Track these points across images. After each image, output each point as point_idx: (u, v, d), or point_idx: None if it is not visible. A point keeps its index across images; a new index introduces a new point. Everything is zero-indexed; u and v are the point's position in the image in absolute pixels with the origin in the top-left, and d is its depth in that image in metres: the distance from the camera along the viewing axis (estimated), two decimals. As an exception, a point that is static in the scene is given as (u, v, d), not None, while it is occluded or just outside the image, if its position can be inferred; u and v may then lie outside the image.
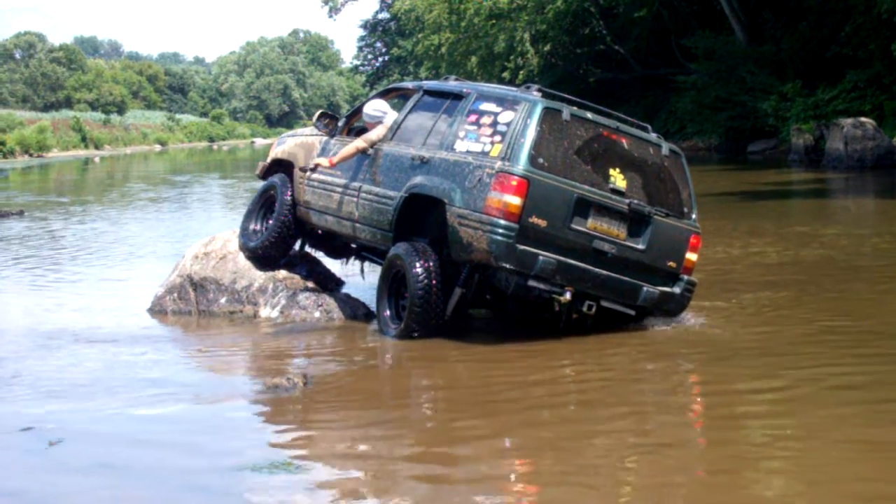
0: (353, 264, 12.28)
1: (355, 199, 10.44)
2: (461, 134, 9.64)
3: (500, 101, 9.62)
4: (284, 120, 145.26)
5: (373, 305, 10.57)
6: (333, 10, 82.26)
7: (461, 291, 9.49)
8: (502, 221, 8.94)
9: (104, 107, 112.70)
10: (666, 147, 9.91)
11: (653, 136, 9.98)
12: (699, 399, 7.96)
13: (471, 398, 7.83)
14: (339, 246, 11.89)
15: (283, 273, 11.30)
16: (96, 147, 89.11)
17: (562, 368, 8.66)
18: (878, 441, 6.47)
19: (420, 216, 9.83)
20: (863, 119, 31.85)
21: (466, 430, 7.02)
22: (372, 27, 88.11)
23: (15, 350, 9.74)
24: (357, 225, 10.46)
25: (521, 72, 50.22)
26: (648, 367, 8.85)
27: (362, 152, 10.47)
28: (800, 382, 7.87)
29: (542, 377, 8.33)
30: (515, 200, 8.96)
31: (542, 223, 9.09)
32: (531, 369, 8.58)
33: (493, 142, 9.31)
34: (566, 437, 6.77)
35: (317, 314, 10.89)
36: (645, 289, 9.55)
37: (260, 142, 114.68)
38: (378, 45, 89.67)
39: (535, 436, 6.85)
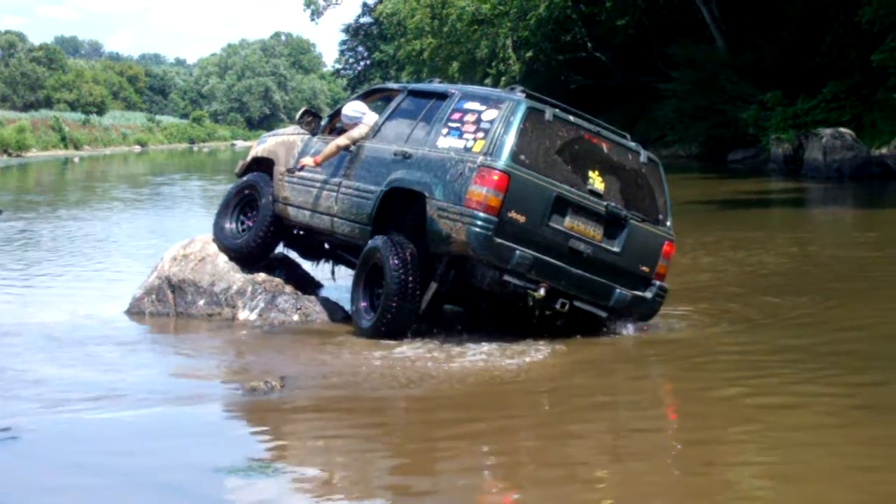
0: (324, 268, 12.26)
1: (335, 194, 10.49)
2: (444, 131, 9.72)
3: (485, 100, 9.73)
4: (265, 122, 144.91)
5: (350, 309, 10.56)
6: (315, 14, 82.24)
7: (436, 286, 9.56)
8: (482, 214, 9.02)
9: (84, 107, 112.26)
10: (644, 155, 10.01)
11: (632, 143, 10.06)
12: (667, 405, 8.02)
13: (446, 401, 7.85)
14: (313, 245, 11.89)
15: (262, 276, 11.28)
16: (76, 147, 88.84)
17: (538, 374, 8.67)
18: (848, 446, 6.51)
19: (399, 211, 9.89)
20: (842, 129, 31.98)
21: (442, 433, 7.05)
22: (354, 31, 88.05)
23: (-10, 349, 9.70)
24: (335, 219, 10.51)
25: (503, 78, 50.32)
26: (619, 370, 8.95)
27: (344, 149, 10.53)
28: (775, 389, 7.91)
29: (517, 383, 8.35)
30: (496, 194, 9.05)
31: (521, 219, 9.16)
32: (505, 372, 8.60)
33: (475, 138, 9.39)
34: (543, 443, 6.80)
35: (295, 317, 10.89)
36: (617, 291, 9.62)
37: (240, 144, 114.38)
38: (360, 49, 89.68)
39: (512, 441, 6.88)
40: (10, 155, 72.73)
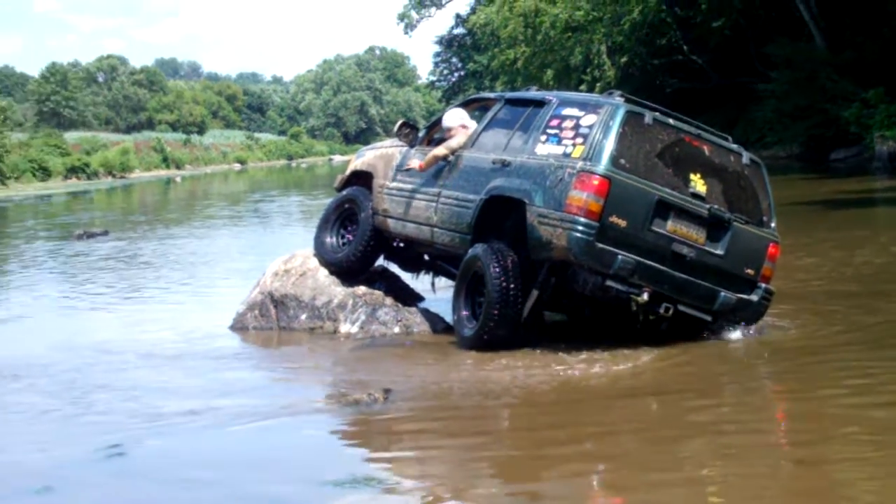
0: (424, 280, 12.26)
1: (434, 204, 10.51)
2: (543, 138, 9.68)
3: (583, 105, 9.68)
4: (361, 136, 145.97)
5: (451, 319, 10.52)
6: (409, 27, 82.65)
7: (537, 293, 9.49)
8: (582, 219, 8.95)
9: (185, 127, 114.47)
10: (746, 156, 9.87)
11: (733, 145, 9.92)
12: (776, 413, 7.83)
13: (549, 410, 7.77)
14: (413, 257, 11.91)
15: (362, 289, 11.31)
16: (177, 167, 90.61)
17: (643, 381, 8.56)
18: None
19: (499, 219, 9.86)
20: (948, 125, 31.18)
21: (547, 444, 6.97)
22: (447, 43, 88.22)
23: (99, 366, 9.87)
24: (435, 230, 10.52)
25: (598, 84, 49.96)
26: (726, 376, 8.80)
27: (443, 159, 10.55)
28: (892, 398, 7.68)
29: (622, 390, 8.24)
30: (596, 199, 8.98)
31: (622, 223, 9.08)
32: (609, 379, 8.53)
33: (574, 143, 9.33)
34: (650, 453, 6.68)
35: (396, 329, 10.89)
36: (722, 294, 9.48)
37: (337, 159, 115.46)
38: (454, 60, 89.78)
39: (617, 450, 6.78)
40: (114, 176, 74.41)
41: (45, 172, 66.57)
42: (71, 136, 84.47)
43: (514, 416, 7.84)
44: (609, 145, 9.11)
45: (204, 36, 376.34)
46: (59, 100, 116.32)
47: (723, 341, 9.73)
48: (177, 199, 47.99)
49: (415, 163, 10.84)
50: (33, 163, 66.32)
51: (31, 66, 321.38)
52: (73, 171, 70.23)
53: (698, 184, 9.45)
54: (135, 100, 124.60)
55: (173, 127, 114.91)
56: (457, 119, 10.83)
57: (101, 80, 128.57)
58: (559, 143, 9.48)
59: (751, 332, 9.90)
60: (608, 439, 7.00)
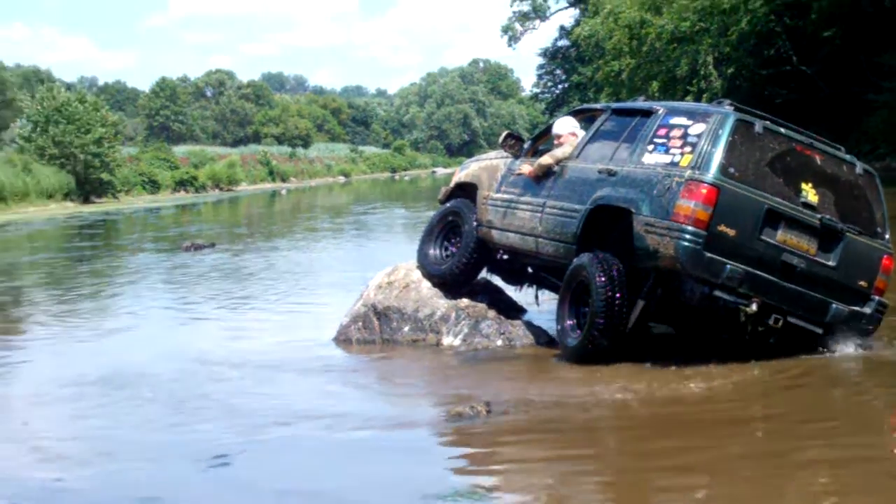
0: (527, 293, 12.13)
1: (539, 215, 10.43)
2: (650, 147, 9.55)
3: (692, 114, 9.54)
4: (465, 149, 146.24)
5: (554, 333, 10.40)
6: (513, 39, 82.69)
7: (643, 304, 9.36)
8: (690, 228, 8.81)
9: (290, 140, 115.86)
10: (860, 166, 9.63)
11: (846, 155, 9.69)
12: (892, 433, 7.57)
13: (655, 427, 7.62)
14: (517, 269, 11.81)
15: (465, 301, 11.26)
16: (283, 180, 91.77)
17: (750, 398, 8.36)
18: None
19: (604, 229, 9.74)
20: None
21: (653, 461, 6.83)
22: (551, 55, 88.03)
23: (204, 377, 9.94)
24: (540, 240, 10.42)
25: (704, 95, 49.33)
26: (838, 393, 8.57)
27: (548, 168, 10.46)
28: None
29: (728, 409, 8.05)
30: (704, 208, 8.84)
31: (731, 232, 8.92)
32: (715, 396, 8.35)
33: (682, 153, 9.19)
34: (759, 474, 6.49)
35: (499, 342, 10.81)
36: (833, 306, 9.26)
37: (441, 171, 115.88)
38: (557, 72, 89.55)
39: (726, 472, 6.60)
40: (221, 189, 75.60)
41: (154, 185, 67.92)
42: (179, 150, 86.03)
43: (618, 435, 7.70)
44: (718, 154, 8.95)
45: (310, 50, 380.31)
46: (168, 114, 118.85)
47: (835, 358, 9.45)
48: (282, 211, 48.57)
49: (526, 168, 10.76)
50: (143, 176, 67.71)
51: (142, 82, 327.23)
52: (181, 184, 71.57)
53: (810, 193, 9.24)
54: (242, 114, 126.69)
55: (279, 140, 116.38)
56: (567, 127, 10.78)
57: (209, 94, 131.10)
58: (667, 152, 9.34)
59: (865, 347, 9.61)
60: (714, 466, 6.75)
